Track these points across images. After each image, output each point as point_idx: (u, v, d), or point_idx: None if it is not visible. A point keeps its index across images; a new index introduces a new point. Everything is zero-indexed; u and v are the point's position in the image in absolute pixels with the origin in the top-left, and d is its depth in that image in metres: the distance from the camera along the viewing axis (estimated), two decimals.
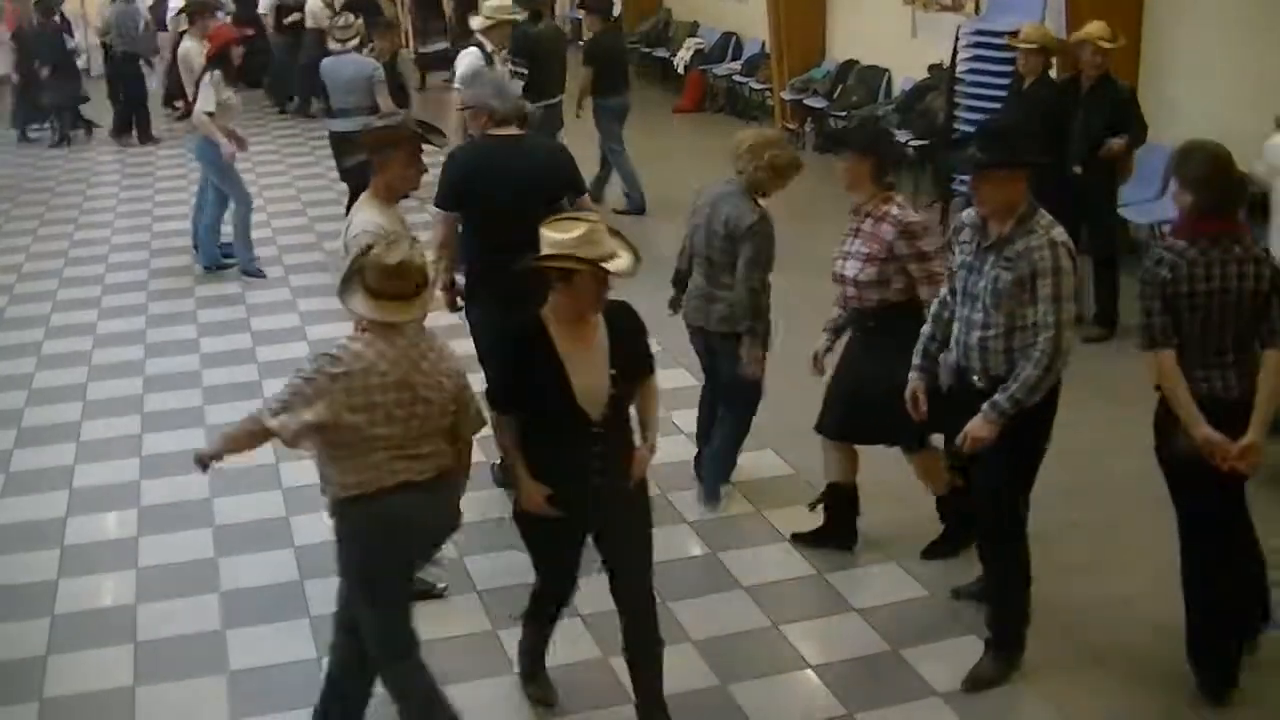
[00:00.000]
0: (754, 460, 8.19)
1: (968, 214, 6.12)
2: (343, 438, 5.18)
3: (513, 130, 7.61)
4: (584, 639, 6.62)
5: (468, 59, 11.73)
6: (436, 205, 7.69)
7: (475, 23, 12.22)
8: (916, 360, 6.39)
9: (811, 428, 7.31)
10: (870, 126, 6.65)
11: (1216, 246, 5.54)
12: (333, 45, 13.03)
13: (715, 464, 7.97)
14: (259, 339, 10.99)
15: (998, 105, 11.61)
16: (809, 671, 6.37)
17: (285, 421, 5.14)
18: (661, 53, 21.49)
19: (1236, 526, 5.92)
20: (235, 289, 12.44)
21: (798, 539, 7.48)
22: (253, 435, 5.37)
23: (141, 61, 20.01)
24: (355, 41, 12.95)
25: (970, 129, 12.25)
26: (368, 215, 6.68)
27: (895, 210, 6.83)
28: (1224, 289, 5.54)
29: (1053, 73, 10.68)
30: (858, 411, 7.03)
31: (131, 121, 19.72)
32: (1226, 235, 5.57)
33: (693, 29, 21.21)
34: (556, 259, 5.29)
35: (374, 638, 5.47)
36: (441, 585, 7.12)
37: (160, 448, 9.00)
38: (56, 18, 19.79)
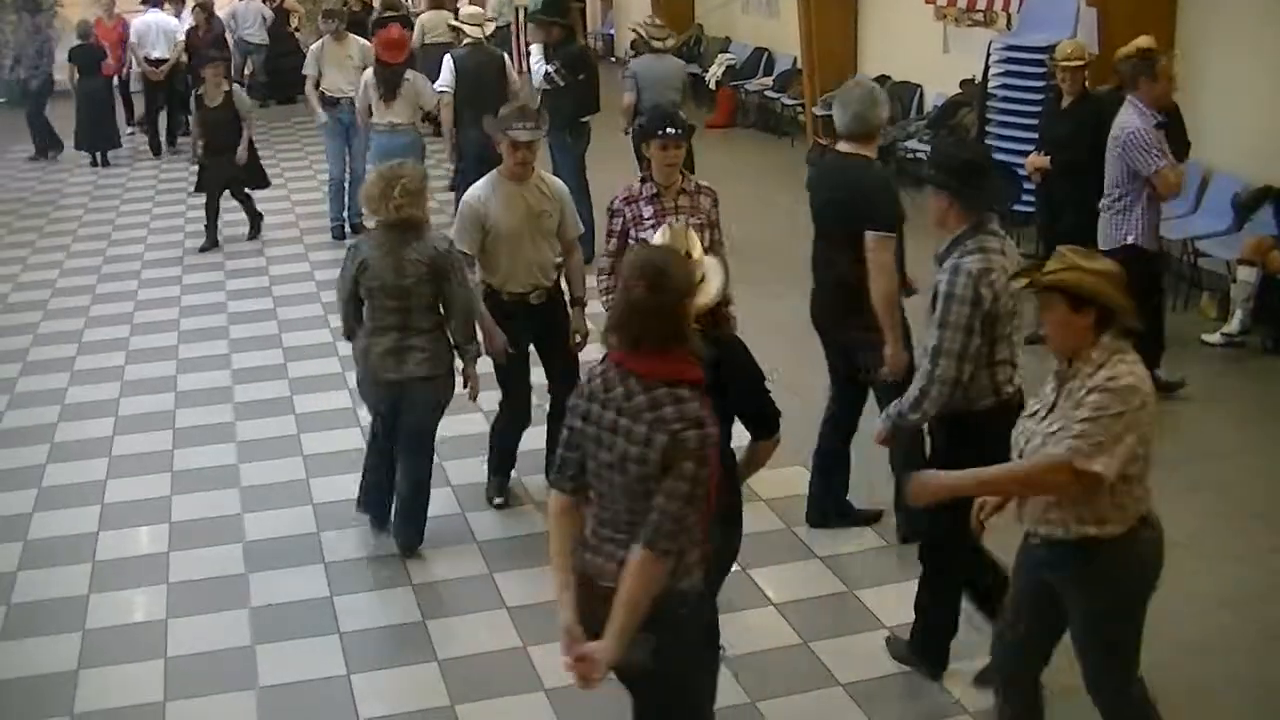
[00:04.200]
0: (784, 476, 8.12)
1: None
2: (1127, 475, 4.82)
3: (850, 148, 7.35)
4: None
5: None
6: None
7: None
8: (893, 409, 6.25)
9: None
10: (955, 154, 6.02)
11: (622, 385, 4.46)
12: None
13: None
14: (290, 355, 11.01)
15: (1030, 120, 11.57)
16: (838, 689, 6.33)
17: (1109, 464, 4.71)
18: (694, 69, 21.43)
19: None
20: (267, 304, 12.47)
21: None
22: (1060, 482, 4.84)
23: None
24: None
25: (1003, 144, 12.25)
26: (476, 187, 7.85)
27: None
28: (611, 443, 4.46)
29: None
30: None
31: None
32: (633, 375, 4.44)
33: (725, 45, 21.20)
34: None
35: (1108, 674, 5.22)
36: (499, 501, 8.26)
37: (191, 463, 9.04)
38: None
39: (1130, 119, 8.83)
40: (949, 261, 5.73)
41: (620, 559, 4.44)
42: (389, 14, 19.19)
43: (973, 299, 5.59)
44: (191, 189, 15.31)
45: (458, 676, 6.54)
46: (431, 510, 8.08)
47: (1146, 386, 4.77)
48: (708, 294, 5.03)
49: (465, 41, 13.46)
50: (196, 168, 14.83)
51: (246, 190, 14.82)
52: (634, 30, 14.53)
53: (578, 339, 8.02)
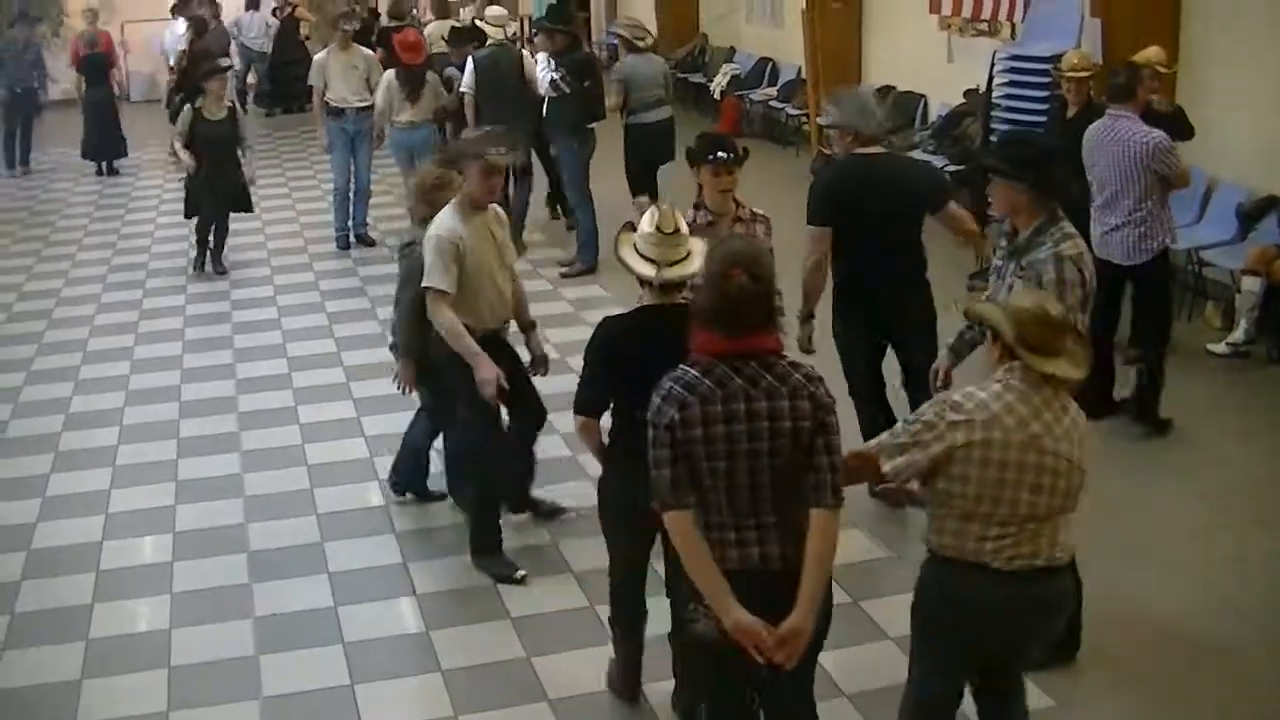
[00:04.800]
0: None
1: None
2: (948, 494, 4.77)
3: (878, 149, 7.75)
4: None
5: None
6: (811, 223, 7.69)
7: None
8: (951, 341, 6.78)
9: None
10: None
11: (739, 375, 4.59)
12: None
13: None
14: (295, 365, 11.01)
15: (1034, 131, 11.56)
16: (843, 699, 6.31)
17: (900, 467, 4.80)
18: (698, 78, 21.50)
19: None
20: (272, 314, 12.48)
21: None
22: (860, 471, 4.98)
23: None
24: None
25: None
26: (444, 218, 7.20)
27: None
28: (750, 431, 4.55)
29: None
30: None
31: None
32: (750, 359, 4.61)
33: (729, 54, 21.22)
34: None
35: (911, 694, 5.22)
36: (521, 573, 7.43)
37: (195, 473, 9.03)
38: None
39: (1142, 129, 8.75)
40: (1045, 251, 6.03)
41: (780, 538, 4.63)
42: (396, 23, 19.45)
43: (1080, 280, 5.99)
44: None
45: (461, 687, 6.53)
46: (435, 521, 8.12)
47: (978, 413, 4.66)
48: (690, 267, 5.54)
49: (489, 42, 13.91)
50: (184, 188, 14.04)
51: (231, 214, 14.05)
52: (616, 33, 15.12)
53: (540, 371, 7.71)
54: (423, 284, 7.12)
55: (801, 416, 4.55)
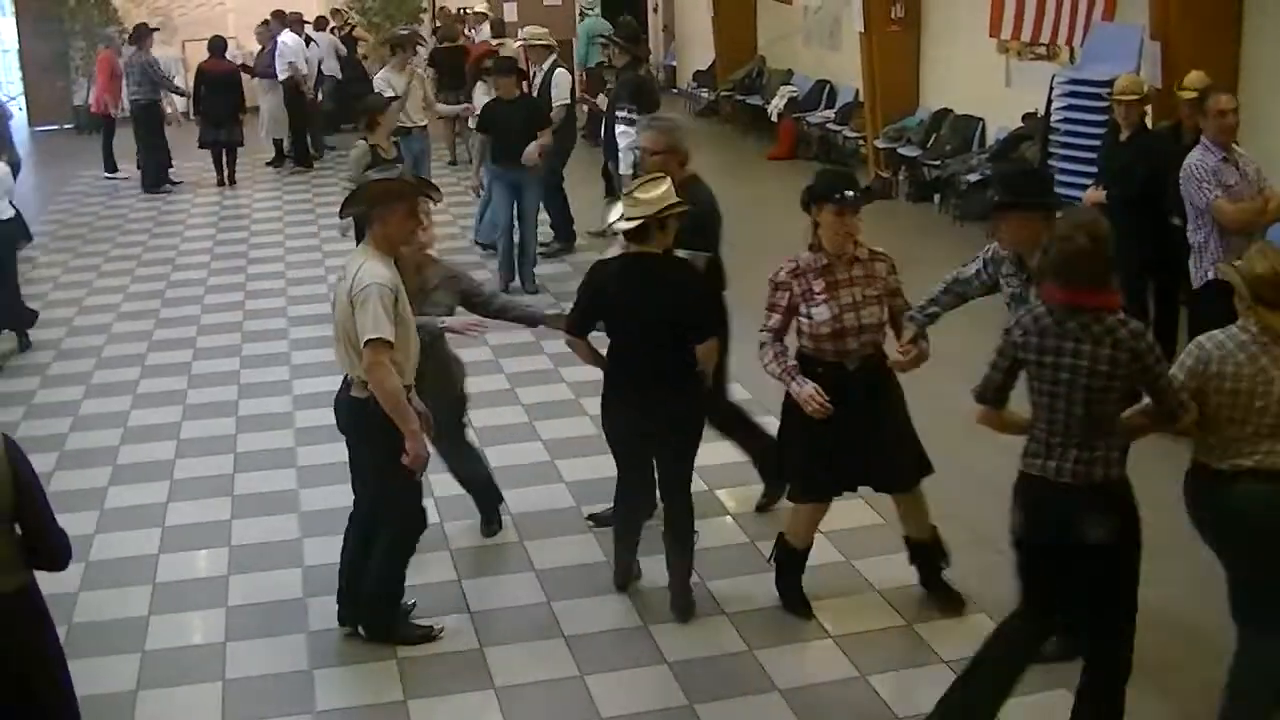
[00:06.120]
0: (842, 509, 8.04)
1: (994, 250, 6.65)
2: (1204, 414, 5.62)
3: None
4: (671, 687, 6.60)
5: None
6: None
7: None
8: (914, 312, 7.01)
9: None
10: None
11: (1073, 320, 5.38)
12: None
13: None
14: None
15: (1092, 154, 11.51)
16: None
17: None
18: (755, 100, 21.52)
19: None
20: (327, 331, 12.47)
21: None
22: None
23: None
24: None
25: (1065, 177, 12.18)
26: (374, 266, 6.53)
27: None
28: (1073, 366, 5.39)
29: (1148, 121, 10.56)
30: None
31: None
32: (1083, 310, 5.37)
33: (787, 77, 21.20)
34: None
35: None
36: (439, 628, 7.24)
37: (252, 488, 9.09)
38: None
39: (1193, 153, 8.90)
40: None
41: (1076, 459, 5.45)
42: (448, 44, 19.64)
43: None
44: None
45: (514, 705, 6.54)
46: (489, 539, 8.12)
47: (1215, 351, 5.59)
48: (653, 192, 6.76)
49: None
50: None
51: None
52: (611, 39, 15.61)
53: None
54: (369, 336, 6.40)
55: (1118, 365, 5.33)
